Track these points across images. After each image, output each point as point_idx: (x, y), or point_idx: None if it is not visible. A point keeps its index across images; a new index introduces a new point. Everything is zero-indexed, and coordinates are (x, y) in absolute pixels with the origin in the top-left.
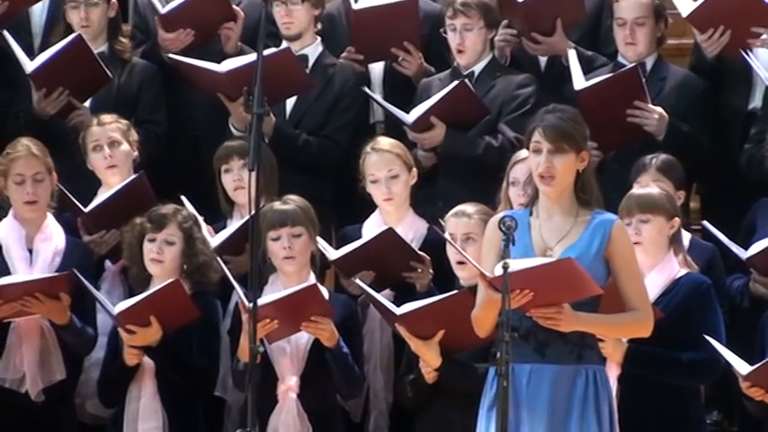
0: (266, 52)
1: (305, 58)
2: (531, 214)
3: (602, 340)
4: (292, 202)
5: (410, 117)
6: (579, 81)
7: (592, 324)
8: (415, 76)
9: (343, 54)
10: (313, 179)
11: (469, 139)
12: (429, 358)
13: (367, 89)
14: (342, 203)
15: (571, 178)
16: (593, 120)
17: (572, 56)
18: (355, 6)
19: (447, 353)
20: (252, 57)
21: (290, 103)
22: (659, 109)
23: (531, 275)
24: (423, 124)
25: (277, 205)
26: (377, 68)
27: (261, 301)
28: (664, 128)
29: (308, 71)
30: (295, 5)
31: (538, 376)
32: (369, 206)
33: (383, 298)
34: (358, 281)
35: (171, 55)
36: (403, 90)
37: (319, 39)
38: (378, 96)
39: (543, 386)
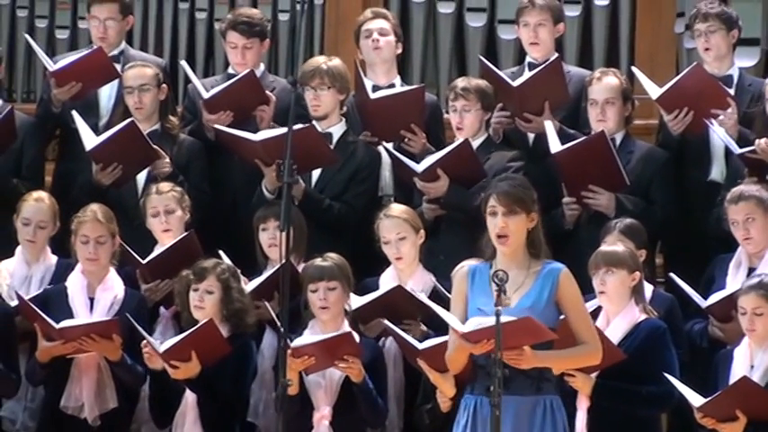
0: (294, 127)
1: (329, 135)
2: (490, 267)
3: (572, 375)
4: (331, 259)
5: (420, 167)
6: (555, 145)
7: (549, 360)
8: (419, 153)
9: (360, 136)
10: (333, 238)
11: (468, 193)
12: (445, 389)
13: (385, 145)
14: (362, 259)
15: (523, 236)
16: (569, 177)
17: (548, 126)
18: (372, 96)
19: (461, 383)
20: (281, 129)
21: (316, 173)
22: (607, 193)
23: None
24: (430, 175)
25: (317, 262)
26: (388, 146)
27: (304, 341)
28: (613, 207)
29: (332, 146)
30: (322, 91)
31: (503, 407)
32: (385, 261)
33: (407, 335)
34: (386, 322)
35: (216, 126)
36: None
37: (344, 120)
38: (392, 149)
39: (507, 416)
